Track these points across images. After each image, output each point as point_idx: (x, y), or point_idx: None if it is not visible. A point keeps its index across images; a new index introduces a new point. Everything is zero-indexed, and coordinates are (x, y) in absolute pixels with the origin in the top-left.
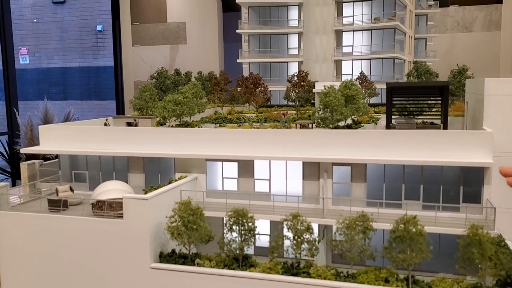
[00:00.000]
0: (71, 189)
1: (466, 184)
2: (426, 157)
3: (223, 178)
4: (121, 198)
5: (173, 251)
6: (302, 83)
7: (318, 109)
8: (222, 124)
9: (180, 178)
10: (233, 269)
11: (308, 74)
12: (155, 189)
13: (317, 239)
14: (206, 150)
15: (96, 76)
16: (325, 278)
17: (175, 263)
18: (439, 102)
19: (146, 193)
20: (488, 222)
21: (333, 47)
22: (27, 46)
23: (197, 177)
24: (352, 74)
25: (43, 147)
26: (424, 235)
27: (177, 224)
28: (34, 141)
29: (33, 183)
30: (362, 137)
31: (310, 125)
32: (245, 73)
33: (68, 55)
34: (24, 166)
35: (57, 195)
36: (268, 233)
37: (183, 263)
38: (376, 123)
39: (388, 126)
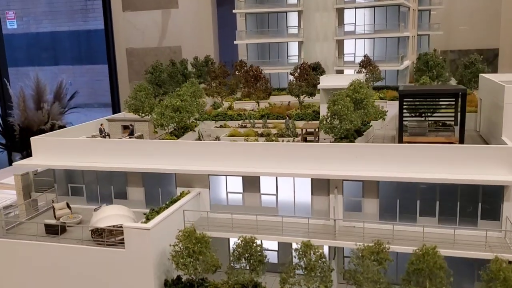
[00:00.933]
0: (68, 206)
1: (484, 201)
2: (442, 174)
3: (227, 192)
4: (121, 226)
5: (179, 278)
6: (305, 76)
7: (326, 117)
8: (223, 124)
9: (182, 194)
10: None
11: (311, 66)
12: (156, 212)
13: (330, 268)
14: (209, 165)
15: (87, 40)
16: None
17: None
18: (453, 103)
19: (147, 217)
20: (508, 241)
21: (334, 26)
22: (13, 10)
23: (200, 192)
24: (354, 54)
25: (37, 161)
26: (444, 268)
27: (182, 254)
28: (28, 113)
29: (29, 201)
30: (374, 152)
31: (316, 129)
32: (241, 52)
33: (57, 18)
34: (17, 177)
35: (54, 213)
36: (276, 249)
37: None
38: (384, 119)
39: (401, 136)
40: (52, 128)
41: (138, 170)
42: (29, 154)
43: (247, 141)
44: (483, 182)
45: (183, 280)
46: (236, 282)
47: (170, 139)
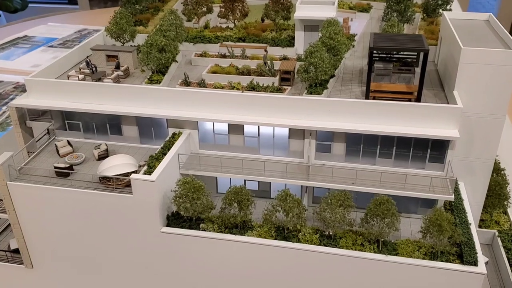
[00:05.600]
0: (69, 144)
1: (432, 148)
2: (399, 127)
3: (214, 134)
4: (128, 173)
5: (178, 213)
6: (282, 0)
7: (304, 67)
8: (203, 52)
9: (174, 137)
10: (234, 233)
11: None
12: (155, 158)
13: (304, 209)
14: (198, 112)
15: None
16: (311, 242)
17: (182, 227)
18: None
19: (149, 165)
20: (449, 181)
21: None
22: None
23: (190, 133)
24: None
25: (32, 101)
26: (395, 214)
27: (183, 199)
28: None
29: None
30: (344, 106)
31: (294, 68)
32: None
33: None
34: (13, 108)
35: (57, 151)
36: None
37: (189, 227)
38: (353, 46)
39: (368, 93)
40: None
41: (131, 114)
42: None
43: (232, 87)
44: (433, 137)
45: (182, 214)
46: (227, 219)
47: (157, 79)
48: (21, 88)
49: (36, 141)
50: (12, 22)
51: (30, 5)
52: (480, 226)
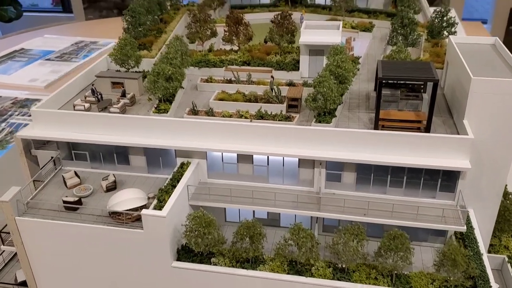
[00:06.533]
0: (77, 175)
1: (443, 178)
2: (410, 159)
3: (223, 163)
4: (138, 208)
5: (188, 247)
6: (286, 24)
7: (313, 96)
8: (209, 78)
9: (183, 167)
10: (246, 268)
11: (291, 15)
12: (165, 192)
13: (317, 243)
14: (207, 142)
15: None
16: (325, 277)
17: (192, 261)
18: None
19: (158, 199)
20: (460, 212)
21: None
22: None
23: (199, 162)
24: None
25: (39, 133)
26: (409, 249)
27: (194, 234)
28: None
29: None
30: (354, 137)
31: (301, 94)
32: None
33: None
34: (18, 139)
35: (65, 183)
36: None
37: (200, 261)
38: (358, 69)
39: (377, 121)
40: None
41: (140, 145)
42: None
43: (240, 115)
44: (444, 168)
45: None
46: (239, 253)
47: (165, 108)
48: (19, 104)
49: (41, 168)
50: (8, 35)
51: (24, 13)
52: (489, 251)
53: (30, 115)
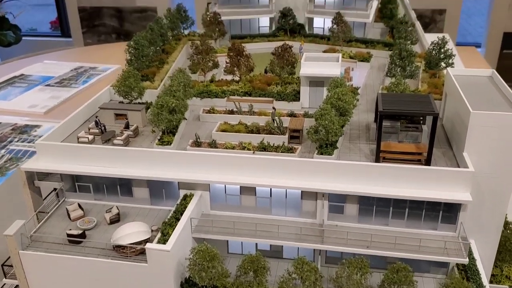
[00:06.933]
0: (80, 207)
1: (444, 209)
2: (411, 191)
3: (226, 194)
4: (141, 241)
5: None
6: (287, 56)
7: (314, 128)
8: (211, 109)
9: (186, 199)
10: None
11: (291, 47)
12: (168, 224)
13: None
14: (210, 175)
15: None
16: None
17: None
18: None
19: (162, 232)
20: (462, 245)
21: None
22: None
23: (202, 194)
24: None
25: (43, 165)
26: (413, 282)
27: (198, 267)
28: None
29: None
30: (357, 170)
31: (302, 125)
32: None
33: None
34: (21, 170)
35: (68, 215)
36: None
37: None
38: (357, 100)
39: (378, 154)
40: None
41: (144, 178)
42: None
43: (243, 147)
44: (445, 201)
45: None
46: (243, 287)
47: (168, 140)
48: (19, 130)
49: (44, 199)
50: (8, 60)
51: (23, 38)
52: (491, 281)
53: (29, 141)
